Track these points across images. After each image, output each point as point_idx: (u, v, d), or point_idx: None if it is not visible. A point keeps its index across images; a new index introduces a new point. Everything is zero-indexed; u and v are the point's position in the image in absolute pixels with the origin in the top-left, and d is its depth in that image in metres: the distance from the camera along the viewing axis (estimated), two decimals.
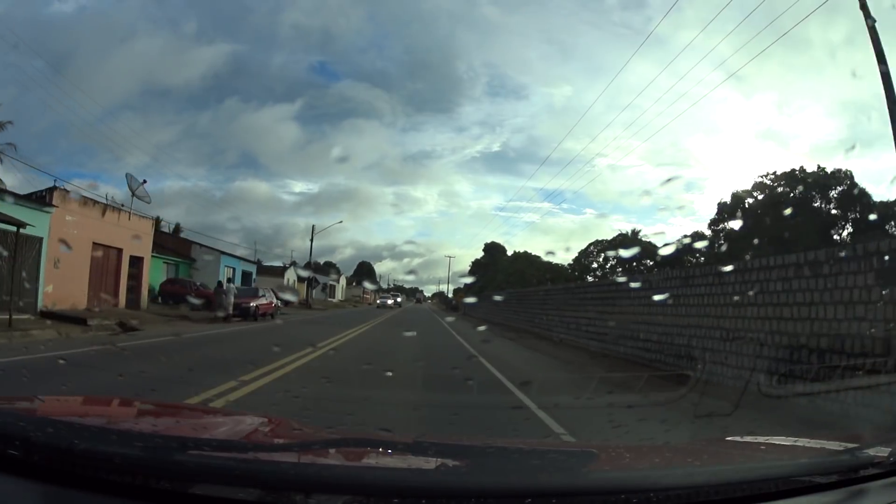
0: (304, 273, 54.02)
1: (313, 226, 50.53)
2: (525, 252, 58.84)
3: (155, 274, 29.95)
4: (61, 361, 7.68)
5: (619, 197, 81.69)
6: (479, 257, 68.66)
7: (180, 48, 74.28)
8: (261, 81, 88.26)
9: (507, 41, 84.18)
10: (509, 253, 66.68)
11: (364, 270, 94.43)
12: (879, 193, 40.10)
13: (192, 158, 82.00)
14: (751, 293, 10.04)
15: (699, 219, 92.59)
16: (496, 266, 62.38)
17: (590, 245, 54.76)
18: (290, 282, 53.94)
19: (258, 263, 48.95)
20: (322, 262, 76.40)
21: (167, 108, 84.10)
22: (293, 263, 56.42)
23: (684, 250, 40.97)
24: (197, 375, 7.18)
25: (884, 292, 7.19)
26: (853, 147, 42.23)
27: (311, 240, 49.74)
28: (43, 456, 1.27)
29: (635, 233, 50.93)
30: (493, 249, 66.84)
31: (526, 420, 6.13)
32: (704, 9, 57.71)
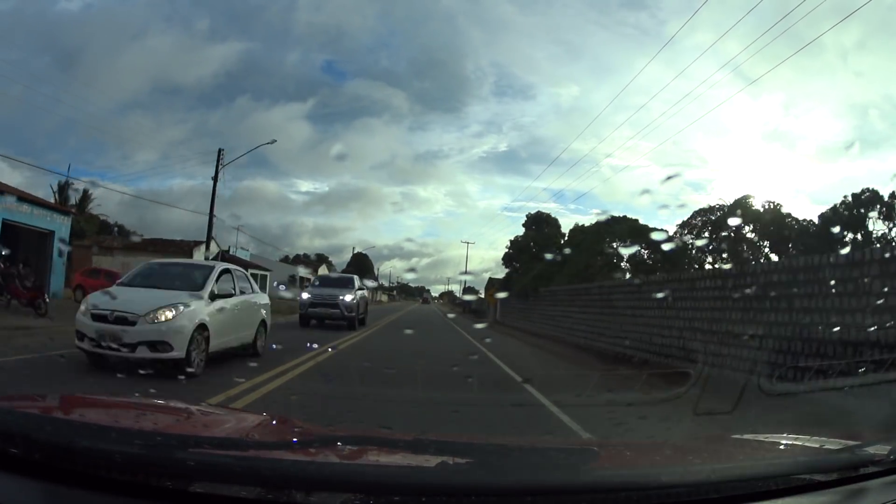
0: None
1: (219, 151, 27.22)
2: (623, 216, 31.39)
3: None
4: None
5: (627, 197, 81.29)
6: (517, 236, 43.53)
7: (192, 46, 73.72)
8: (272, 80, 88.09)
9: (516, 41, 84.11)
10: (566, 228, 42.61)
11: (358, 263, 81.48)
12: (884, 194, 39.41)
13: (201, 156, 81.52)
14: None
15: None
16: (557, 248, 37.12)
17: (694, 215, 37.73)
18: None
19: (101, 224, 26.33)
20: (313, 255, 68.88)
21: (178, 105, 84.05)
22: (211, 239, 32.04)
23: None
24: None
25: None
26: (852, 144, 42.17)
27: (214, 179, 26.18)
28: (43, 454, 1.27)
29: (743, 200, 35.85)
30: (539, 223, 42.69)
31: None
32: (713, 10, 57.54)
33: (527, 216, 43.89)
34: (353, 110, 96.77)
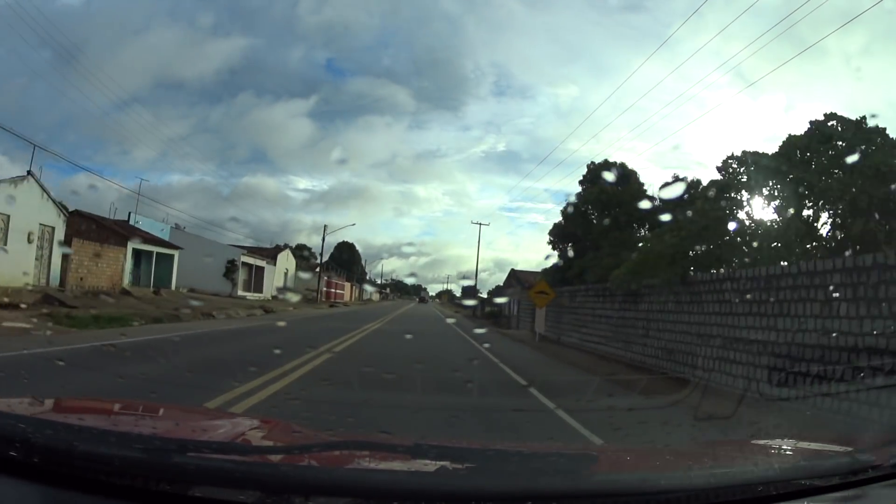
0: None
1: None
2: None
3: None
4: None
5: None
6: (577, 195, 26.61)
7: (195, 41, 73.14)
8: (274, 77, 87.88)
9: (515, 40, 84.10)
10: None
11: (342, 256, 70.43)
12: None
13: (201, 153, 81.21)
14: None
15: None
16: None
17: None
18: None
19: None
20: (294, 246, 55.46)
21: (179, 101, 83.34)
22: None
23: None
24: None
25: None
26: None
27: None
28: (43, 458, 1.27)
29: None
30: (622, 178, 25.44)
31: None
32: (715, 12, 57.57)
33: (589, 167, 26.04)
34: (353, 108, 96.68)
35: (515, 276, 38.26)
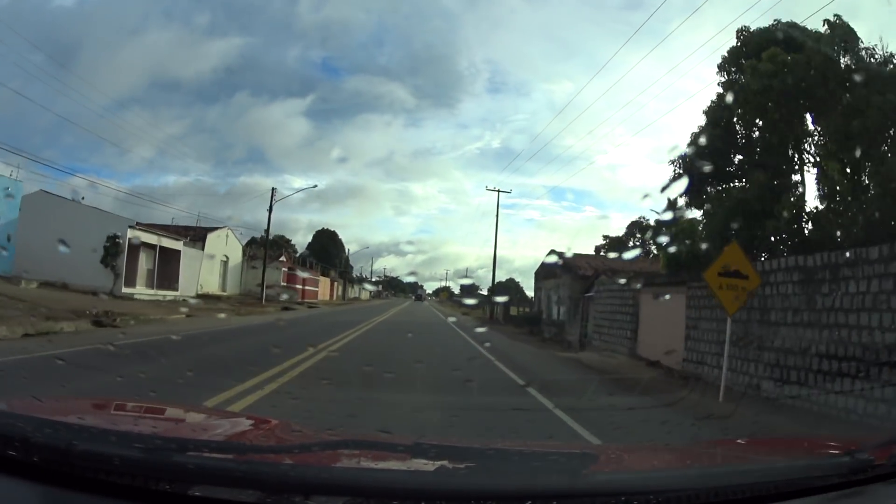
0: None
1: None
2: None
3: None
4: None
5: (626, 194, 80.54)
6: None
7: (190, 41, 72.71)
8: (270, 77, 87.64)
9: (512, 37, 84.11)
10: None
11: (321, 246, 59.58)
12: None
13: (198, 153, 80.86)
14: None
15: None
16: None
17: None
18: None
19: None
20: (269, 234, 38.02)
21: (174, 102, 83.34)
22: None
23: None
24: None
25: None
26: None
27: None
28: (42, 457, 1.27)
29: None
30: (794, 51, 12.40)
31: None
32: (710, 5, 57.38)
33: (739, 34, 15.19)
34: (350, 107, 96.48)
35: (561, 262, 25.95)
